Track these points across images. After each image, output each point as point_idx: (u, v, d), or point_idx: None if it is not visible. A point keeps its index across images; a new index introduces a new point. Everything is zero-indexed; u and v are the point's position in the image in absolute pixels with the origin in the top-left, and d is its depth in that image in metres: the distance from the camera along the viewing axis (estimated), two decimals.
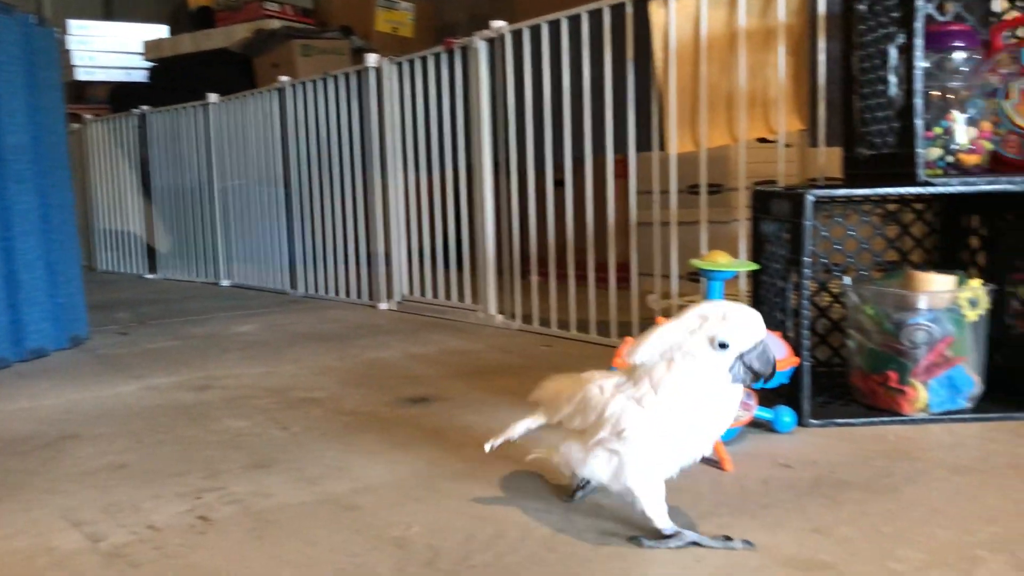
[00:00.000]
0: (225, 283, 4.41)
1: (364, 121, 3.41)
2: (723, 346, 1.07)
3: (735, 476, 1.39)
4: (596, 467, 1.15)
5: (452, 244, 3.10)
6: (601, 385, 1.16)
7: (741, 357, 1.08)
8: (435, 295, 3.23)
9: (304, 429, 1.74)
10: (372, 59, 3.34)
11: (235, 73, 5.00)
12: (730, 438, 1.53)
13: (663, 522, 1.12)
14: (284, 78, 3.85)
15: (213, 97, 4.31)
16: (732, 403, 1.12)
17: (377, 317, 3.22)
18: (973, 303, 1.64)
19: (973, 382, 1.67)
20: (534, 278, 2.74)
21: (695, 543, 1.11)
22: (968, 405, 1.68)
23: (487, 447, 1.29)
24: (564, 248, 2.66)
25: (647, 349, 1.11)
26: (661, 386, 1.09)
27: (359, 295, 3.59)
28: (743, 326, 1.07)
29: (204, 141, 4.41)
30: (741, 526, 1.15)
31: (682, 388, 1.09)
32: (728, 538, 1.11)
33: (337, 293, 3.72)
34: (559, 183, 2.69)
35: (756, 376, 1.09)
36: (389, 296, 3.42)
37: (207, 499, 1.36)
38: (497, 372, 2.21)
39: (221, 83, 4.48)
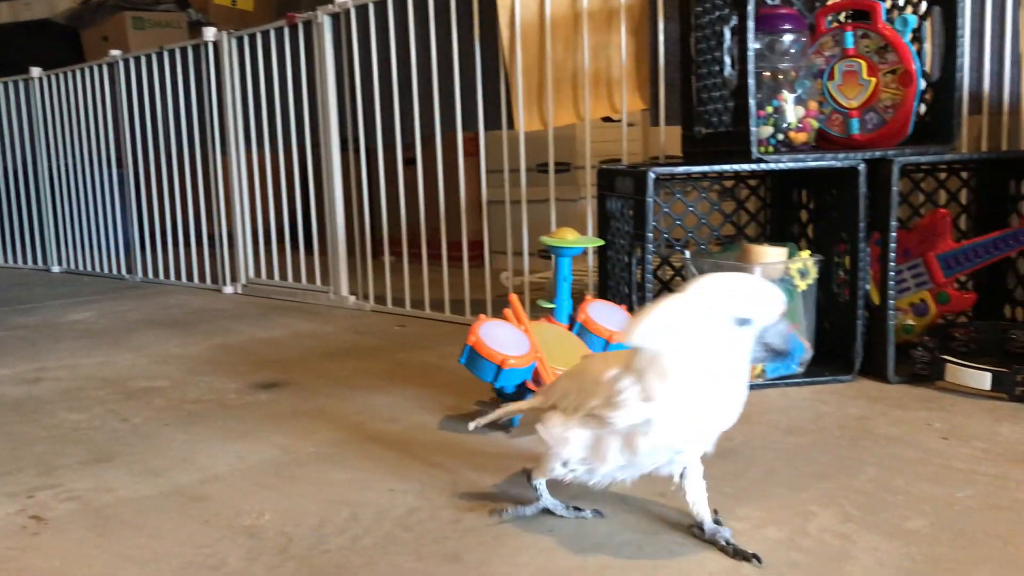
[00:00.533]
0: (56, 269, 4.16)
1: (202, 97, 3.27)
2: (745, 323, 0.96)
3: None
4: (553, 420, 1.08)
5: (300, 224, 3.04)
6: (607, 363, 1.05)
7: (760, 334, 0.98)
8: (283, 277, 3.16)
9: (146, 420, 1.67)
10: (210, 33, 3.20)
11: (61, 46, 4.70)
12: None
13: (541, 472, 1.12)
14: (115, 52, 3.65)
15: (36, 71, 4.04)
16: (744, 385, 1.01)
17: (221, 301, 3.12)
18: (803, 273, 1.73)
19: (804, 348, 1.77)
20: (386, 258, 2.71)
21: (548, 510, 1.13)
22: (800, 370, 1.78)
23: (471, 426, 1.31)
24: (416, 227, 2.65)
25: (651, 328, 0.98)
26: (670, 373, 0.97)
27: (202, 279, 3.46)
28: (765, 300, 0.97)
29: (27, 118, 4.14)
30: (591, 496, 1.18)
31: (697, 371, 0.97)
32: (579, 508, 1.14)
33: (178, 277, 3.57)
34: (410, 161, 2.67)
35: (774, 354, 1.00)
36: (234, 279, 3.32)
37: (41, 497, 1.28)
38: (350, 354, 2.18)
39: (44, 57, 4.20)
